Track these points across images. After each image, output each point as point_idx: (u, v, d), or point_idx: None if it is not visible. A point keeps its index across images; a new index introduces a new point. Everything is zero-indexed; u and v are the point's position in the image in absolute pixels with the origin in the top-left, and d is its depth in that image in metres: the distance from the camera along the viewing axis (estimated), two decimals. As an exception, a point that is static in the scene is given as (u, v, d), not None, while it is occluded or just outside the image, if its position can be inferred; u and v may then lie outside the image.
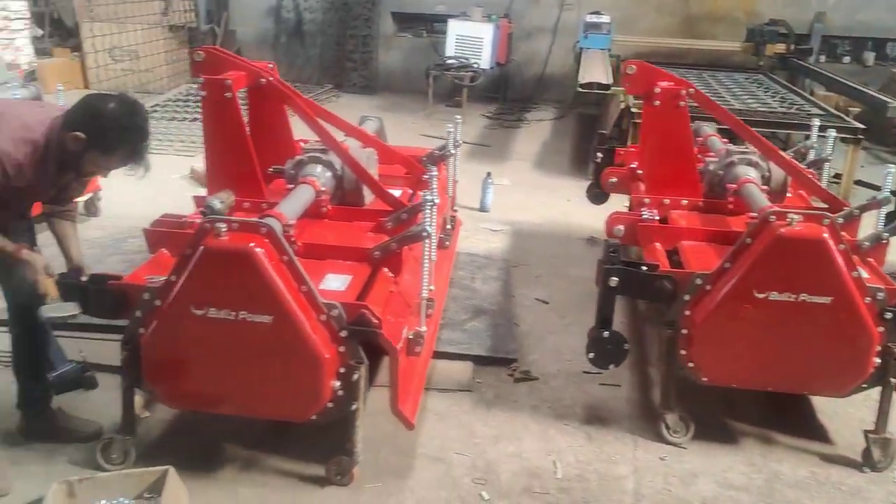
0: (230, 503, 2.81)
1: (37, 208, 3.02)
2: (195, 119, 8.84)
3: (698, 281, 3.03)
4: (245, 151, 3.53)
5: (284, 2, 11.75)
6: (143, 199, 5.87)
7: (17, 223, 2.87)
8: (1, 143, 2.43)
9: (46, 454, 3.03)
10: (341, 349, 2.72)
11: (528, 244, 5.55)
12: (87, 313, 2.87)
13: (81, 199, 4.72)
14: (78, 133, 2.49)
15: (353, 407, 2.76)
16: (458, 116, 4.46)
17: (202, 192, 6.29)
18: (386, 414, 3.23)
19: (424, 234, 2.97)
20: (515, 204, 6.39)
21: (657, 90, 3.82)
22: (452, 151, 4.21)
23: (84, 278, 2.85)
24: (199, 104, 9.65)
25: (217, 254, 2.58)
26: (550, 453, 3.18)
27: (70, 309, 2.79)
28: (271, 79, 3.69)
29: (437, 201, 3.15)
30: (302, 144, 3.92)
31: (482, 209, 6.19)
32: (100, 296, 2.80)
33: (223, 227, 2.58)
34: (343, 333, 2.70)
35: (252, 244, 2.58)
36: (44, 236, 3.11)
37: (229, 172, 3.56)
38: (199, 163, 7.03)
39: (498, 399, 3.55)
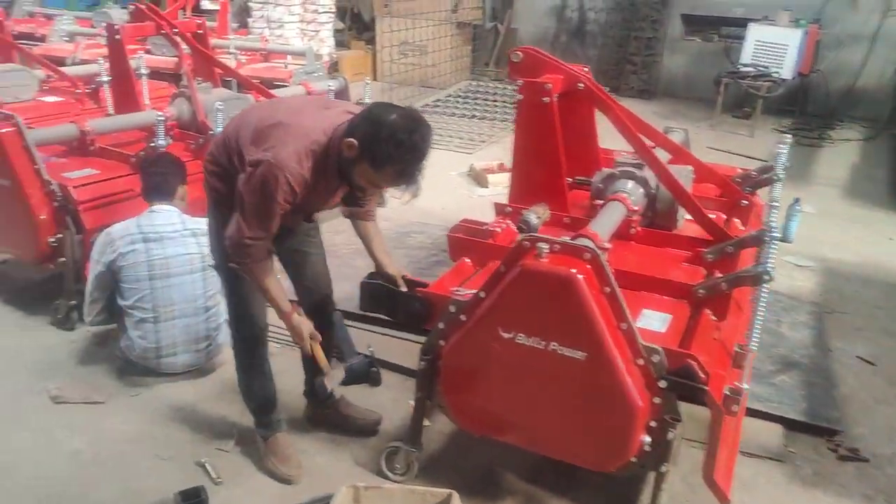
0: (511, 544, 2.60)
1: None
2: (474, 116, 8.96)
3: None
4: (555, 160, 3.30)
5: (569, 1, 11.56)
6: (423, 194, 5.96)
7: (304, 223, 2.85)
8: (287, 161, 2.31)
9: (332, 448, 3.04)
10: (656, 400, 2.37)
11: (842, 287, 4.76)
12: (391, 317, 2.81)
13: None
14: (352, 139, 2.32)
15: (663, 468, 2.40)
16: (788, 136, 3.85)
17: (477, 190, 6.32)
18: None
19: (766, 277, 2.52)
20: (824, 236, 5.56)
21: None
22: (780, 176, 3.64)
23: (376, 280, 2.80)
24: (476, 101, 9.77)
25: (535, 277, 2.34)
26: (894, 563, 2.58)
27: (338, 376, 2.74)
28: (589, 84, 3.41)
29: (778, 236, 2.68)
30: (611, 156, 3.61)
31: (784, 239, 5.40)
32: (407, 301, 2.71)
33: (545, 247, 2.34)
34: (661, 383, 2.34)
35: (574, 270, 2.31)
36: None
37: (535, 180, 3.36)
38: (477, 161, 7.05)
39: (818, 478, 2.98)
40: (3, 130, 3.68)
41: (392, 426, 3.17)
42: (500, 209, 3.44)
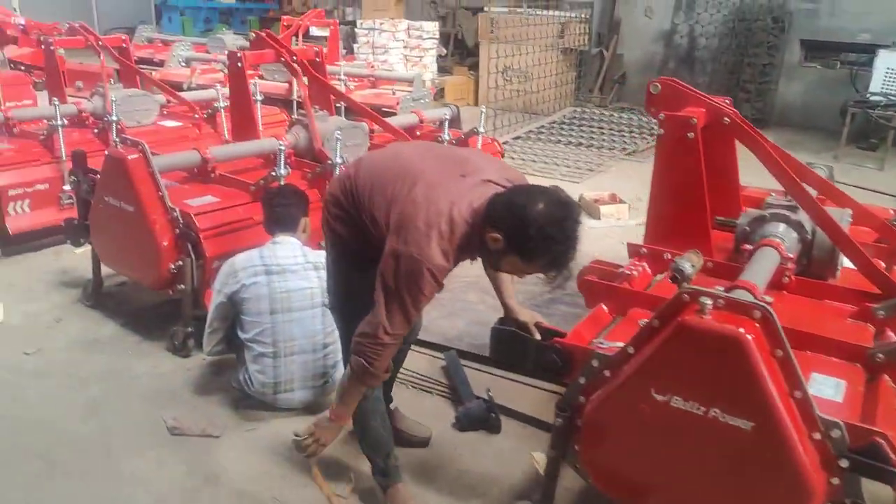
0: None
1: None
2: (580, 143, 8.73)
3: None
4: (698, 200, 3.07)
5: (679, 27, 11.21)
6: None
7: None
8: (432, 256, 2.16)
9: (449, 495, 2.86)
10: (834, 481, 2.07)
11: None
12: (524, 367, 2.62)
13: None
14: (496, 235, 2.16)
15: (843, 560, 2.10)
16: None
17: (589, 221, 6.04)
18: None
19: (963, 344, 2.20)
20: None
21: None
22: (950, 221, 3.28)
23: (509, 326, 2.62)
24: (582, 128, 9.52)
25: (697, 335, 2.10)
26: None
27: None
28: (735, 118, 3.16)
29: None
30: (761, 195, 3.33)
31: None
32: (543, 352, 2.51)
33: (708, 302, 2.10)
34: (842, 462, 2.05)
35: (742, 329, 2.06)
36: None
37: (676, 220, 3.13)
38: (587, 190, 6.81)
39: None
40: (131, 157, 3.72)
41: (514, 480, 2.97)
42: (633, 250, 3.22)
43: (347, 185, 2.46)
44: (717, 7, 10.84)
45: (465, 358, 3.72)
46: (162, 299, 4.24)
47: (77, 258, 4.87)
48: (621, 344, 2.36)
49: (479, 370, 3.65)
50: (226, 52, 9.05)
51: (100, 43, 5.93)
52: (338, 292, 2.66)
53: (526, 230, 2.09)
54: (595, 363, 2.37)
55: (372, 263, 2.30)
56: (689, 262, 2.41)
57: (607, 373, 2.34)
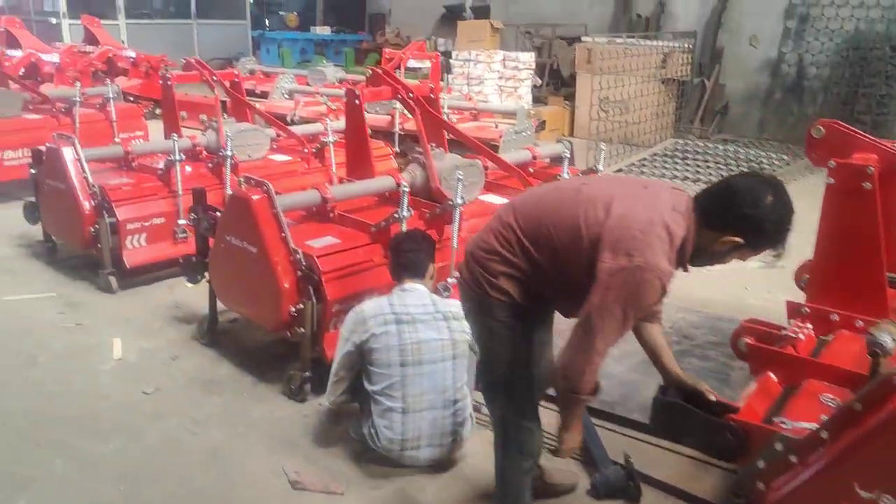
0: None
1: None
2: (686, 178, 8.39)
3: None
4: (874, 255, 2.78)
5: (787, 56, 10.73)
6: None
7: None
8: (660, 262, 2.07)
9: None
10: None
11: None
12: (685, 440, 2.38)
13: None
14: (735, 238, 2.13)
15: None
16: None
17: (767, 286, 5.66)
18: None
19: None
20: None
21: None
22: None
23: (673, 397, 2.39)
24: (687, 161, 9.13)
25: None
26: None
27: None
28: (914, 166, 2.86)
29: None
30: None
31: None
32: (716, 430, 2.26)
33: (931, 389, 1.83)
34: None
35: (976, 423, 1.78)
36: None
37: (845, 278, 2.83)
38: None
39: None
40: (255, 198, 3.67)
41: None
42: (793, 309, 2.94)
43: (508, 236, 2.32)
44: (830, 35, 10.35)
45: (595, 416, 3.48)
46: (276, 338, 4.17)
47: (190, 292, 4.87)
48: (810, 425, 2.11)
49: (611, 430, 3.41)
50: (326, 84, 9.17)
51: (214, 78, 6.01)
52: (511, 361, 2.44)
53: (762, 226, 2.13)
54: (779, 447, 2.12)
55: (549, 314, 2.36)
56: (890, 335, 2.14)
57: (794, 458, 2.08)
